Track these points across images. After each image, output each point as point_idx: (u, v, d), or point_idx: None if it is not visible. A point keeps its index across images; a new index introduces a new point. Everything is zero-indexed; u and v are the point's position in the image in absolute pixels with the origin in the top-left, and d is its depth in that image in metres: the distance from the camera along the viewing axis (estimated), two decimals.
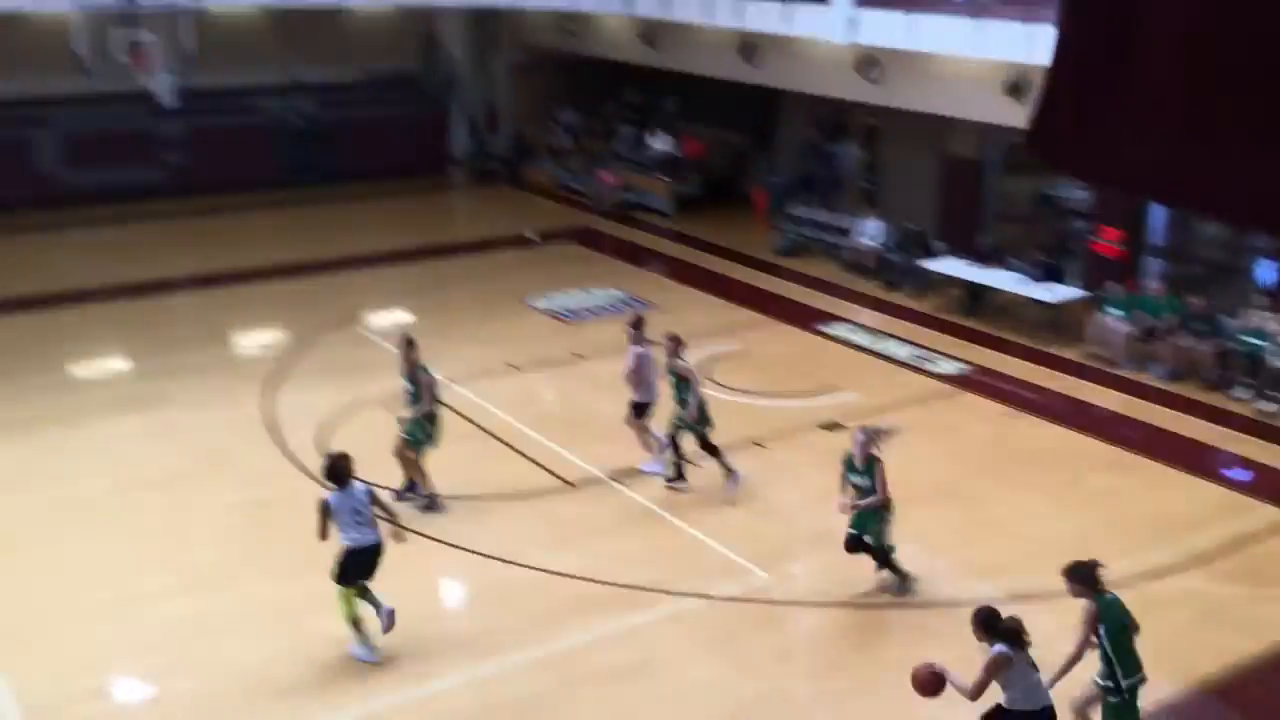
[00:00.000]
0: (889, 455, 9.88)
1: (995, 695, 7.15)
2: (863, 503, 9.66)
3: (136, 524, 10.87)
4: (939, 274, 17.91)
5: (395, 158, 25.03)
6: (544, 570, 10.27)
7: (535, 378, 14.87)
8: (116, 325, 16.38)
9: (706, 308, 17.79)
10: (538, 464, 12.37)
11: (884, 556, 9.88)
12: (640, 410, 12.38)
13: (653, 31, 22.78)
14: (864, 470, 9.68)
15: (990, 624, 7.15)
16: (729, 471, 11.73)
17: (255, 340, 16.51)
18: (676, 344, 11.79)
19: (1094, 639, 7.27)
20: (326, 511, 8.84)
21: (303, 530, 10.72)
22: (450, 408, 13.52)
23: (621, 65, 24.92)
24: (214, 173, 21.87)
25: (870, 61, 18.27)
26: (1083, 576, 7.30)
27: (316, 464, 11.99)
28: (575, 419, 13.61)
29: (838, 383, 14.77)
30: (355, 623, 8.99)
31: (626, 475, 12.12)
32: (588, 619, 9.62)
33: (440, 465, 12.13)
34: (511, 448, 12.72)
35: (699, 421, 11.64)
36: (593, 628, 9.49)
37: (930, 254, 18.47)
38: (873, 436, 9.72)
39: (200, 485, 11.66)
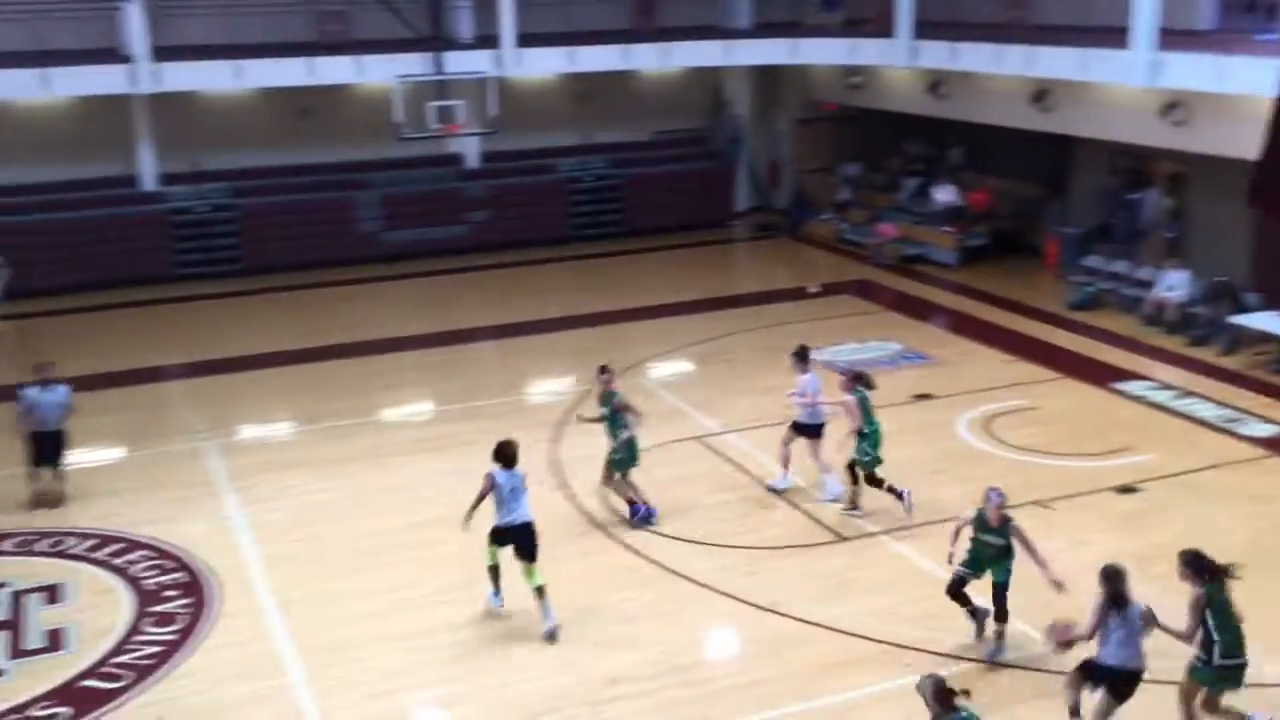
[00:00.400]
0: (1181, 517, 9.30)
1: None
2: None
3: (432, 558, 11.62)
4: (1251, 329, 16.68)
5: (681, 213, 25.75)
6: (813, 623, 10.25)
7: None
8: (424, 371, 17.61)
9: (990, 362, 17.28)
10: (808, 515, 12.36)
11: (1002, 604, 9.74)
12: (814, 432, 12.67)
13: (939, 82, 22.51)
14: (998, 530, 9.60)
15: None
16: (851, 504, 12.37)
17: (546, 387, 17.32)
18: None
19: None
20: (491, 485, 10.10)
21: (580, 571, 11.20)
22: (727, 459, 13.78)
23: (906, 117, 24.72)
24: (512, 229, 23.22)
25: (1173, 105, 17.34)
26: (1198, 567, 8.15)
27: (596, 509, 12.52)
28: (847, 472, 13.46)
29: (1133, 443, 13.99)
30: (493, 571, 10.32)
31: (899, 530, 11.93)
32: (854, 675, 9.51)
33: (715, 514, 12.37)
34: (784, 499, 12.76)
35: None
36: (859, 685, 9.37)
37: (1241, 307, 17.24)
38: (1004, 497, 9.66)
39: (488, 524, 12.29)
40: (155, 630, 10.32)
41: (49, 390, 13.10)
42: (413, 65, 22.42)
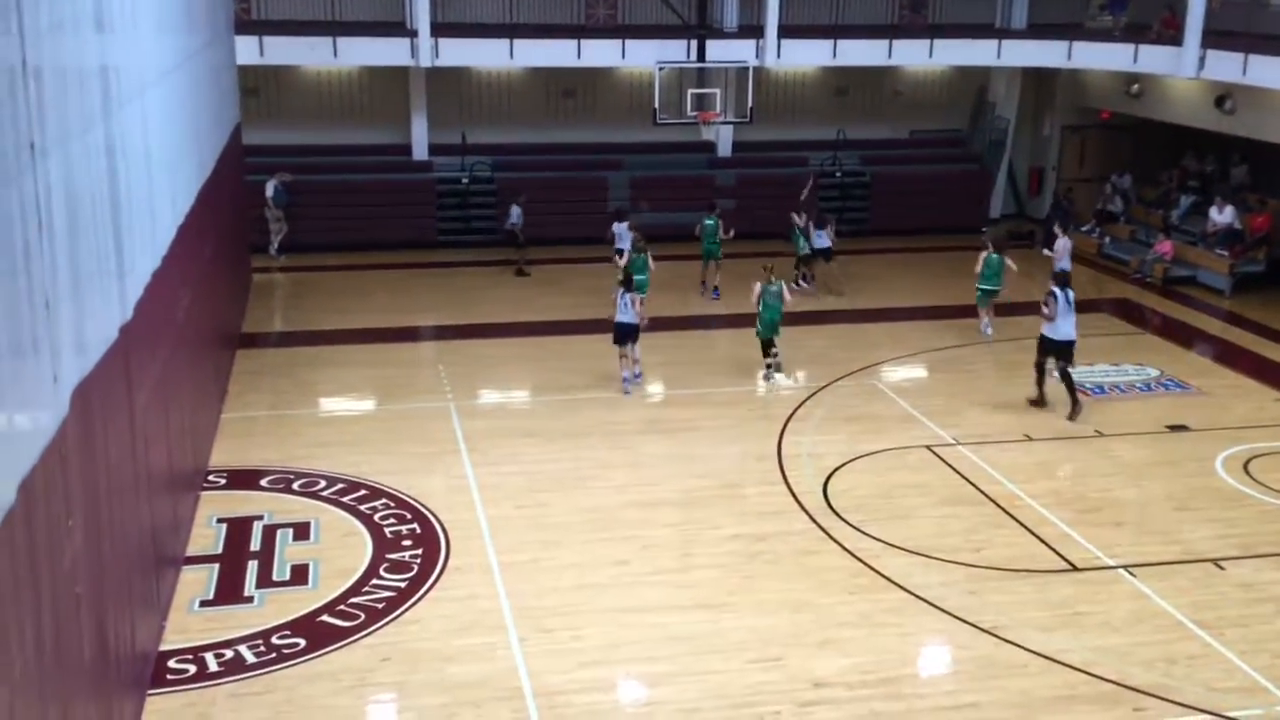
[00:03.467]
0: None
1: None
2: None
3: (650, 538, 11.80)
4: None
5: (931, 215, 25.09)
6: (1035, 652, 9.84)
7: (1049, 450, 14.24)
8: (659, 353, 17.83)
9: (1257, 399, 16.09)
10: (1040, 539, 11.86)
11: None
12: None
13: (1226, 95, 21.07)
14: None
15: None
16: None
17: (779, 380, 17.25)
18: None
19: None
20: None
21: (794, 570, 11.14)
22: (957, 471, 13.39)
23: (1186, 130, 23.27)
24: (756, 220, 23.18)
25: None
26: None
27: (817, 507, 12.41)
28: (1087, 498, 12.87)
29: None
30: None
31: (1138, 566, 11.28)
32: (1076, 713, 9.07)
33: (941, 527, 12.05)
34: (1015, 519, 12.30)
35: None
36: None
37: None
38: None
39: (709, 511, 12.41)
40: (389, 576, 10.90)
41: None
42: (675, 52, 22.70)
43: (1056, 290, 15.06)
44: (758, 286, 16.36)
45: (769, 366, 16.54)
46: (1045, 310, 15.09)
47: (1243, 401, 15.95)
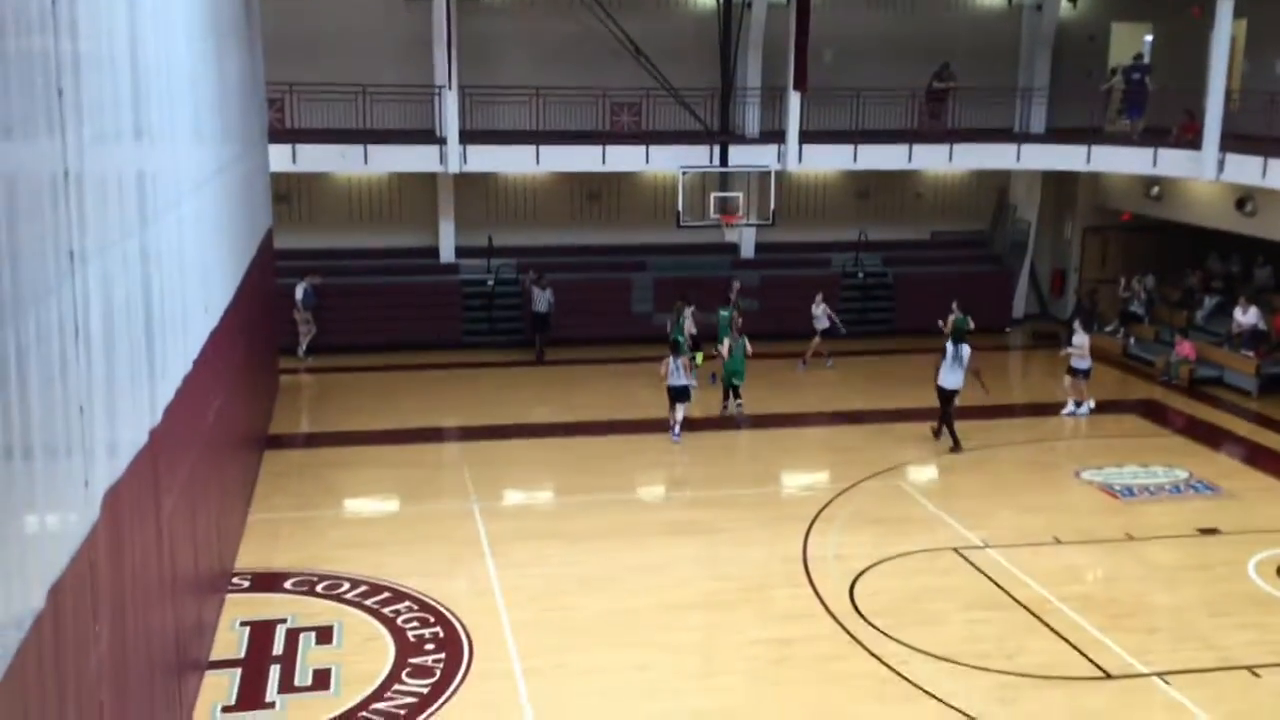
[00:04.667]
0: None
1: None
2: None
3: (674, 642, 11.68)
4: None
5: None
6: None
7: (1079, 554, 14.07)
8: (683, 454, 17.86)
9: None
10: (1073, 645, 11.66)
11: None
12: None
13: (1247, 198, 21.23)
14: None
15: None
16: None
17: (801, 480, 17.21)
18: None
19: None
20: None
21: (820, 676, 10.98)
22: (986, 574, 13.24)
23: (1208, 231, 23.40)
24: (779, 320, 23.33)
25: None
26: None
27: (843, 611, 12.26)
28: (1119, 603, 12.68)
29: None
30: None
31: (1173, 673, 11.06)
32: None
33: (969, 633, 11.86)
34: (1046, 624, 12.11)
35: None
36: None
37: None
38: None
39: (733, 614, 12.29)
40: (412, 681, 10.80)
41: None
42: (698, 156, 23.12)
43: (948, 345, 17.70)
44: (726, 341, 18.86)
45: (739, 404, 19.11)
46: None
47: (1273, 504, 15.76)
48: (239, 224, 15.15)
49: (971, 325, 20.43)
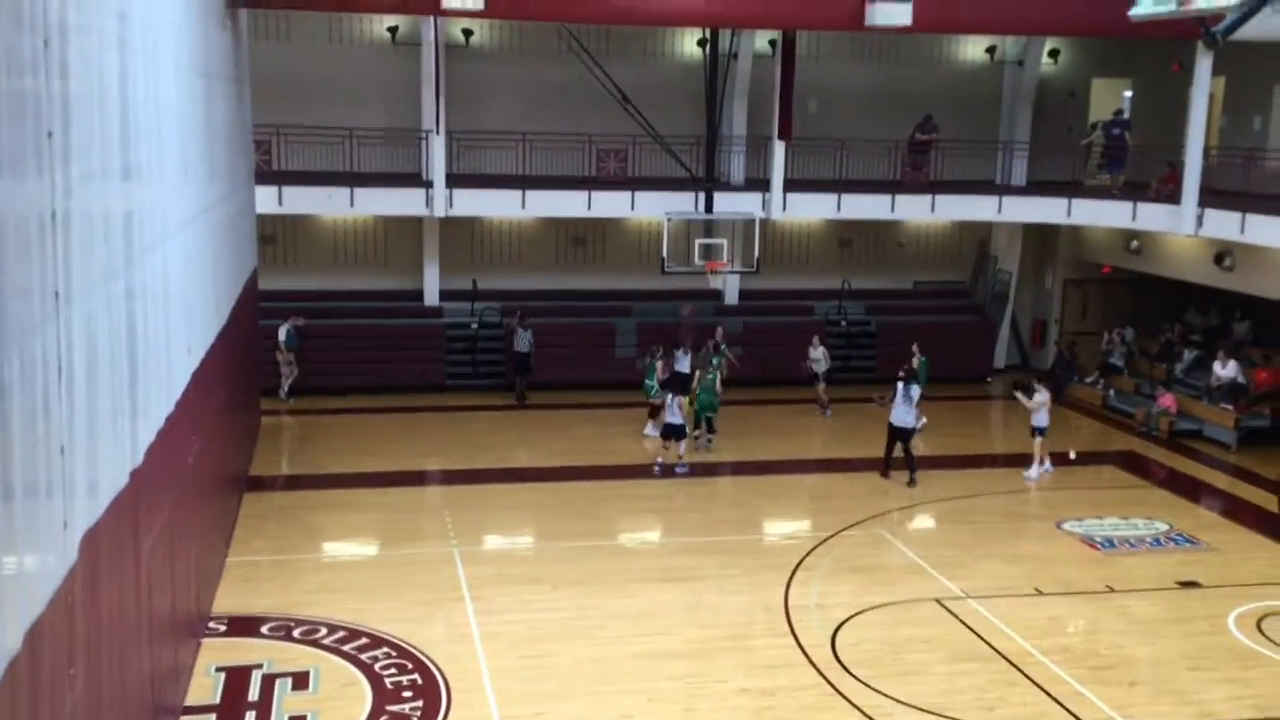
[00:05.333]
0: None
1: None
2: None
3: (655, 690, 11.59)
4: None
5: (937, 365, 25.19)
6: None
7: (1060, 605, 14.07)
8: (666, 500, 17.83)
9: (1269, 555, 15.95)
10: (1054, 698, 11.62)
11: None
12: None
13: (1226, 252, 21.46)
14: None
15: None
16: None
17: (784, 528, 17.17)
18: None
19: None
20: None
21: None
22: (967, 625, 13.21)
23: (1187, 285, 23.63)
24: (764, 367, 23.39)
25: None
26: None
27: (825, 661, 12.20)
28: (1099, 655, 12.66)
29: None
30: None
31: None
32: None
33: (950, 685, 11.82)
34: (1027, 677, 12.08)
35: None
36: None
37: None
38: None
39: (715, 664, 12.21)
40: None
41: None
42: (683, 203, 23.26)
43: (899, 385, 18.63)
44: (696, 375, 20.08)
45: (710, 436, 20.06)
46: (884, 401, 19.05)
47: (1252, 558, 15.82)
48: (224, 264, 15.14)
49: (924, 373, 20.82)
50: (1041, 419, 19.02)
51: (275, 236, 23.99)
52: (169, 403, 10.23)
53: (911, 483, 18.32)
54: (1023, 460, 19.52)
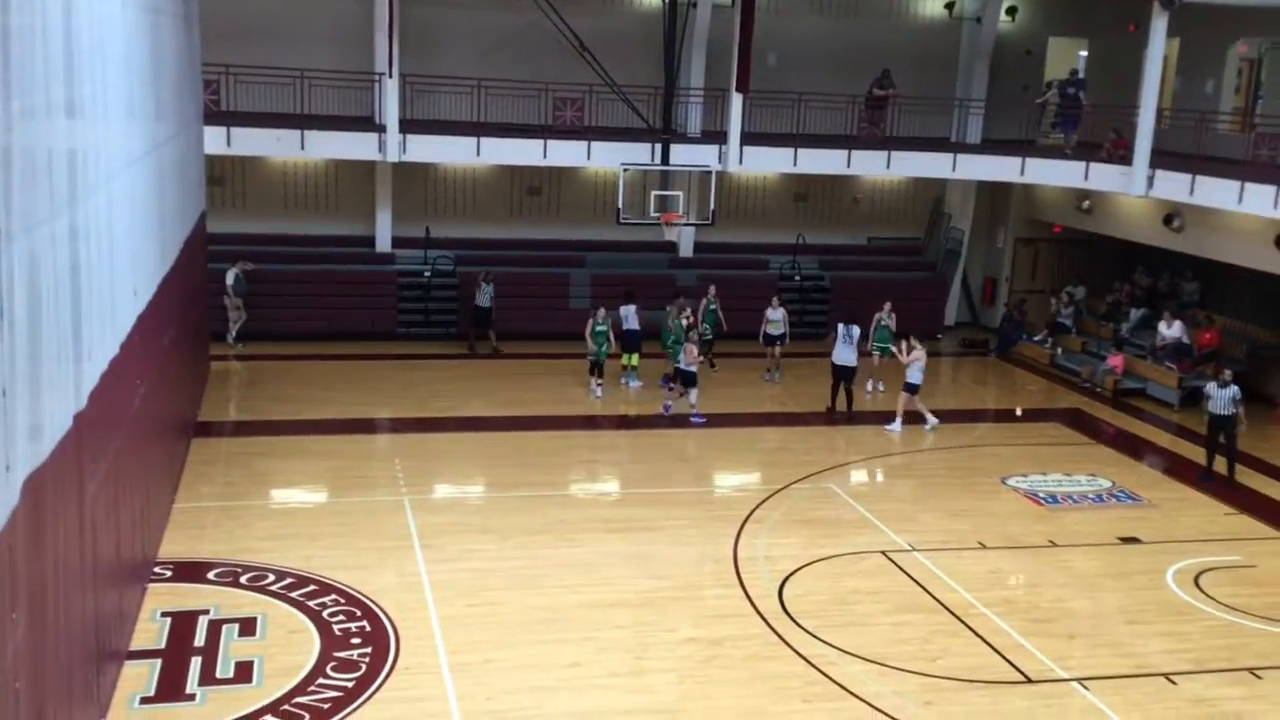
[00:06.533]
0: None
1: None
2: None
3: (604, 639, 11.66)
4: None
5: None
6: None
7: (1003, 559, 14.30)
8: (620, 452, 17.86)
9: (1207, 512, 16.28)
10: (995, 649, 11.84)
11: None
12: None
13: (1175, 214, 21.71)
14: None
15: None
16: None
17: (734, 481, 17.28)
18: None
19: None
20: None
21: (749, 676, 11.03)
22: (912, 578, 13.40)
23: (1136, 245, 23.91)
24: (718, 320, 23.38)
25: None
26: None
27: (772, 612, 12.34)
28: (1040, 608, 12.91)
29: None
30: None
31: (1091, 679, 11.28)
32: None
33: (896, 634, 12.00)
34: (969, 628, 12.29)
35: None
36: None
37: None
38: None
39: (664, 613, 12.30)
40: (336, 675, 10.67)
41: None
42: (640, 154, 23.11)
43: (839, 326, 19.75)
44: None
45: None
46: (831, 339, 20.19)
47: (1192, 515, 16.14)
48: (171, 205, 14.84)
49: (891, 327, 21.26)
50: (915, 374, 19.06)
51: (224, 178, 23.57)
52: (114, 345, 10.05)
53: (850, 417, 19.50)
54: (970, 415, 19.74)
